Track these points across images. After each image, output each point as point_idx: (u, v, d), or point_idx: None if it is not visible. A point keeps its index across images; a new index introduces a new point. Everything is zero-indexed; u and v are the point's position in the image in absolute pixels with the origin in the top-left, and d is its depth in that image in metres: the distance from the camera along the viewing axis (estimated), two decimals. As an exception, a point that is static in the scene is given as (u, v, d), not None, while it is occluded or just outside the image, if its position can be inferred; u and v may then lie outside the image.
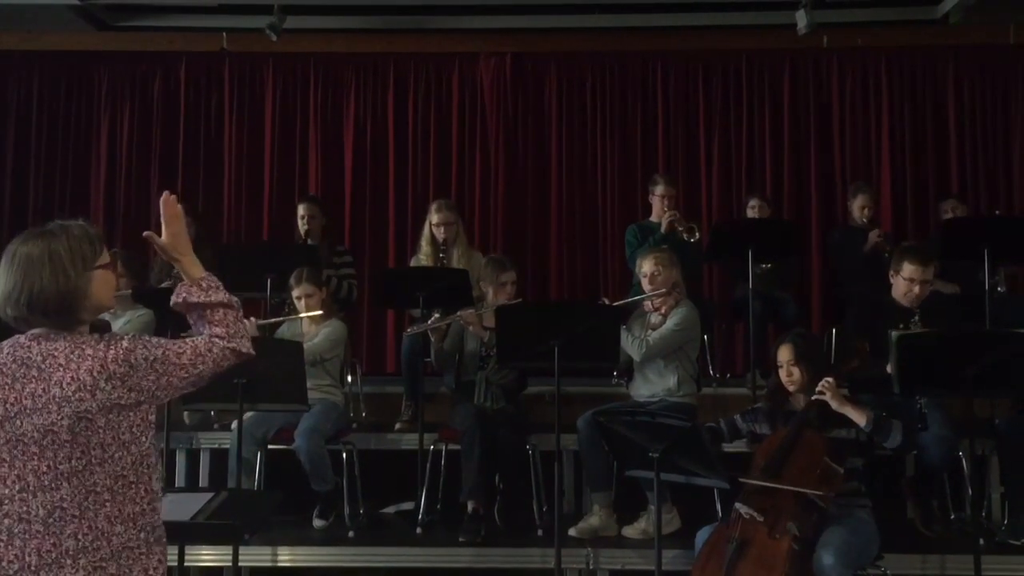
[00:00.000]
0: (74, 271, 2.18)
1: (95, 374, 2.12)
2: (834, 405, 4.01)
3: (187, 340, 2.24)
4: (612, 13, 7.60)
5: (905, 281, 4.63)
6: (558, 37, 7.73)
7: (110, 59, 7.82)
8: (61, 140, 7.82)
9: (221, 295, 2.30)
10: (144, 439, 2.20)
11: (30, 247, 2.19)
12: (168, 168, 7.75)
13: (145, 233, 2.37)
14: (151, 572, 2.18)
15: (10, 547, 2.08)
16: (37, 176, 7.76)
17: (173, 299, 2.31)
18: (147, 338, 2.22)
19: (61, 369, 2.12)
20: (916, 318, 4.52)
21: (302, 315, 5.19)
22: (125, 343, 2.17)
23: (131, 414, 2.16)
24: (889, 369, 4.32)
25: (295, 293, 5.20)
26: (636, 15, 7.61)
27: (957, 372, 3.88)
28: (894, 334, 4.28)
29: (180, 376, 2.20)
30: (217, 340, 2.25)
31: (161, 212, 2.34)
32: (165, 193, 2.37)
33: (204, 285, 2.30)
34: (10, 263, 2.19)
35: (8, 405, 2.12)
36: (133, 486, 2.16)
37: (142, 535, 2.17)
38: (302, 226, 6.20)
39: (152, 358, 2.17)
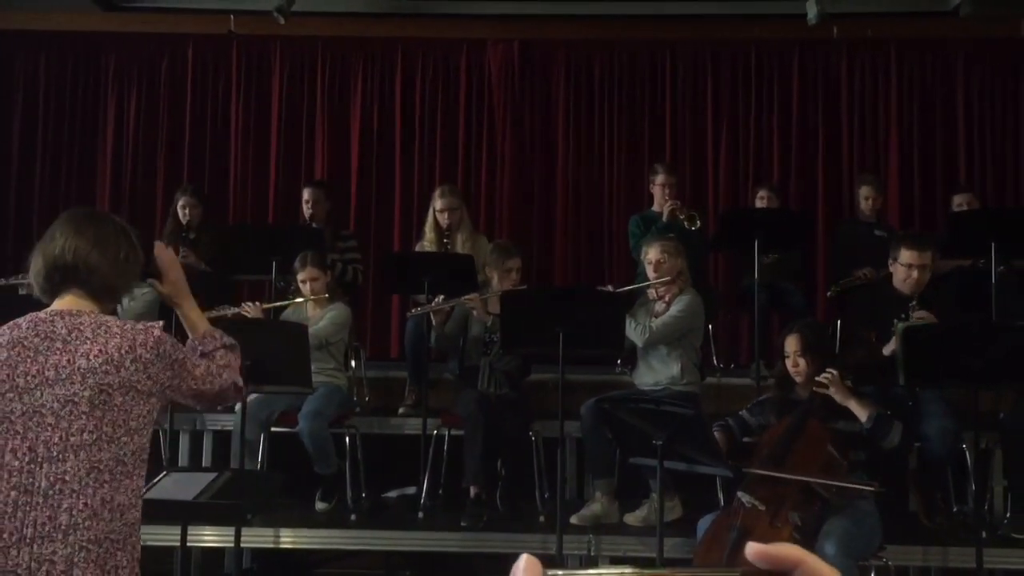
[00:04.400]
0: (140, 258, 2.35)
1: (123, 351, 2.17)
2: (838, 398, 4.00)
3: (203, 361, 2.37)
4: (621, 1, 7.57)
5: (903, 268, 4.60)
6: (566, 24, 7.69)
7: (117, 40, 7.79)
8: (68, 121, 7.80)
9: (227, 339, 2.45)
10: (145, 433, 2.25)
11: (102, 221, 2.31)
12: (174, 150, 7.75)
13: (149, 280, 2.49)
14: (123, 567, 2.18)
15: (12, 519, 2.10)
16: (44, 157, 7.75)
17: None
18: (174, 339, 2.31)
19: (88, 342, 2.17)
20: (914, 303, 4.50)
21: (307, 298, 5.19)
22: (157, 332, 2.24)
23: (142, 403, 2.21)
24: (886, 351, 4.33)
25: (300, 277, 5.20)
26: (645, 3, 7.57)
27: (963, 363, 3.87)
28: (900, 325, 4.27)
29: (190, 385, 2.29)
30: (227, 372, 2.38)
31: (159, 261, 2.47)
32: (158, 243, 2.54)
33: (211, 336, 2.43)
34: (80, 229, 2.25)
35: (29, 377, 2.15)
36: (128, 477, 2.19)
37: (124, 529, 2.18)
38: (306, 211, 6.21)
39: (174, 357, 2.26)
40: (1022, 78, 7.51)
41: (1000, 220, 5.38)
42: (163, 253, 2.48)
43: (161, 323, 2.28)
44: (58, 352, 2.16)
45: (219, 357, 2.41)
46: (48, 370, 2.14)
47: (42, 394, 2.14)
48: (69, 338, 2.17)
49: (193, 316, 2.46)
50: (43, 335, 2.18)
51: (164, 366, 2.23)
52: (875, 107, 7.60)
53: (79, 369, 2.14)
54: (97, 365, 2.15)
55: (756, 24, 7.56)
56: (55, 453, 2.12)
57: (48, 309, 2.25)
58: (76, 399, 2.13)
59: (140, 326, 2.24)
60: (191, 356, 2.32)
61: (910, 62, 7.59)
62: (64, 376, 2.14)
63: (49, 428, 2.12)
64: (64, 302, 2.25)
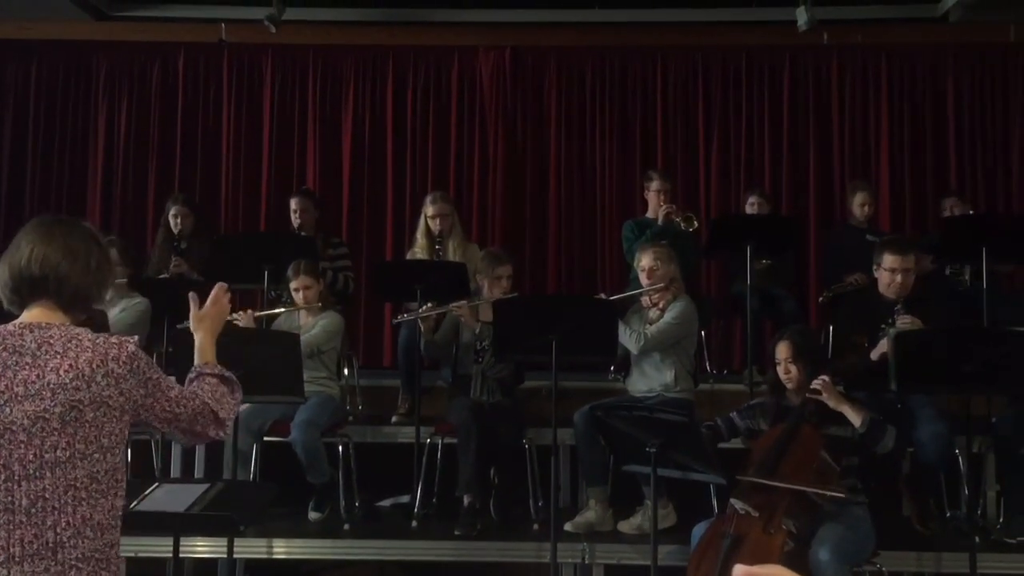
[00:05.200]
0: (111, 265, 2.33)
1: (94, 366, 2.11)
2: (831, 403, 4.00)
3: (178, 384, 2.32)
4: (612, 8, 7.59)
5: (887, 272, 4.62)
6: (558, 31, 7.71)
7: (108, 49, 7.78)
8: (58, 130, 7.78)
9: (226, 372, 2.45)
10: (118, 451, 2.17)
11: (70, 228, 2.25)
12: (166, 159, 7.74)
13: (191, 293, 2.59)
14: None
15: None
16: (34, 166, 7.73)
17: (190, 376, 2.44)
18: (149, 358, 2.24)
19: (58, 357, 2.10)
20: (899, 307, 4.52)
21: (299, 307, 5.18)
22: (131, 347, 2.18)
23: (114, 419, 2.15)
24: (873, 356, 4.34)
25: (293, 285, 5.19)
26: (636, 10, 7.59)
27: (954, 369, 3.88)
28: (891, 331, 4.28)
29: (162, 406, 2.24)
30: (203, 396, 2.33)
31: (213, 294, 2.56)
32: (221, 285, 2.58)
33: (212, 364, 2.47)
34: (47, 238, 2.20)
35: None
36: (104, 496, 2.13)
37: (104, 549, 2.13)
38: (294, 220, 6.20)
39: (148, 375, 2.21)
40: (1011, 83, 7.54)
41: (992, 225, 5.40)
42: (220, 294, 2.56)
43: (136, 338, 2.22)
44: (27, 367, 2.09)
45: (207, 382, 2.39)
46: (17, 386, 2.08)
47: (12, 410, 2.07)
48: (38, 352, 2.10)
49: (207, 347, 2.49)
50: (11, 349, 2.11)
51: (137, 382, 2.18)
52: (865, 112, 7.63)
53: (49, 384, 2.08)
54: (67, 380, 2.09)
55: (747, 30, 7.59)
56: (31, 471, 2.06)
57: (16, 322, 2.18)
58: (47, 415, 2.07)
59: (113, 340, 2.17)
60: (166, 378, 2.27)
61: (900, 67, 7.62)
62: (33, 392, 2.08)
63: (22, 445, 2.07)
64: (33, 314, 2.19)
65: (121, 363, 2.14)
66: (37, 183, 7.72)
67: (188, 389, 2.33)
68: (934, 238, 5.77)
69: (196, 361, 2.47)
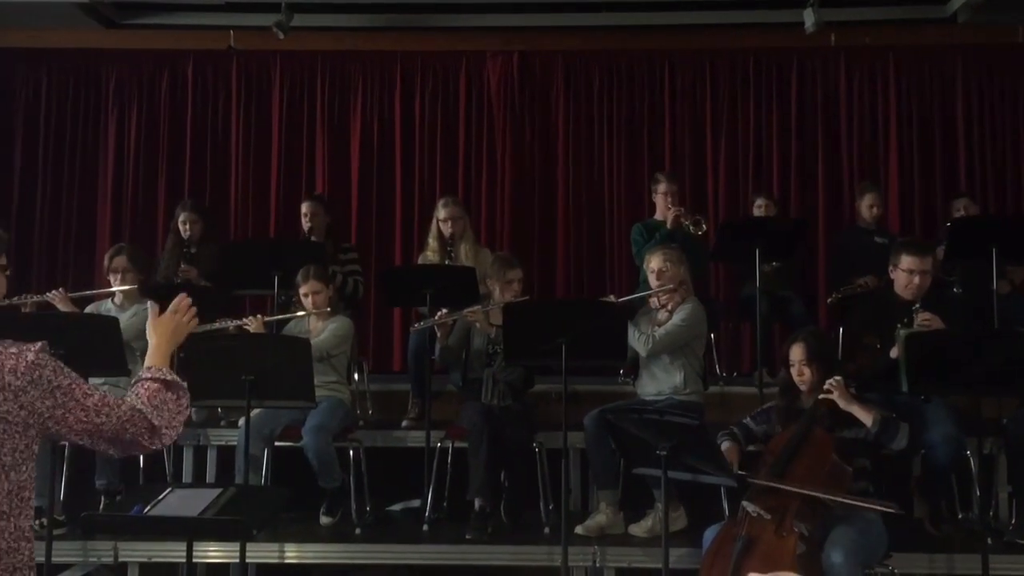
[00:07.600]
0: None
1: None
2: (841, 404, 4.00)
3: (101, 389, 2.11)
4: (619, 12, 7.60)
5: (904, 273, 4.63)
6: (565, 36, 7.72)
7: (117, 57, 7.82)
8: (68, 138, 7.82)
9: (169, 376, 2.23)
10: (24, 469, 2.01)
11: None
12: (175, 166, 7.77)
13: (151, 303, 2.44)
14: None
15: None
16: (45, 174, 7.76)
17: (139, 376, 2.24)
18: (61, 364, 2.05)
19: None
20: (917, 306, 4.52)
21: (309, 312, 5.20)
22: (31, 356, 2.00)
23: (17, 436, 1.99)
24: (893, 355, 4.33)
25: (302, 290, 5.20)
26: (643, 14, 7.59)
27: (965, 371, 3.87)
28: (903, 332, 4.28)
29: (78, 417, 2.03)
30: (133, 403, 2.12)
31: (175, 303, 2.41)
32: (184, 297, 2.43)
33: (155, 368, 2.24)
34: None
35: None
36: (7, 518, 1.98)
37: (6, 573, 1.98)
38: (305, 224, 6.22)
39: (57, 384, 2.02)
40: (1020, 84, 7.53)
41: (1001, 226, 5.40)
42: (183, 305, 2.40)
43: (39, 345, 2.03)
44: None
45: (144, 387, 2.18)
46: None
47: None
48: None
49: (157, 352, 2.30)
50: None
51: (41, 393, 1.98)
52: (874, 114, 7.61)
53: None
54: None
55: (754, 33, 7.59)
56: None
57: None
58: None
59: (13, 349, 2.00)
60: (82, 384, 2.06)
61: (908, 69, 7.61)
62: None
63: None
64: None
65: (19, 375, 1.97)
66: (48, 190, 7.75)
67: (114, 398, 2.10)
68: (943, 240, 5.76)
69: (145, 364, 2.28)
